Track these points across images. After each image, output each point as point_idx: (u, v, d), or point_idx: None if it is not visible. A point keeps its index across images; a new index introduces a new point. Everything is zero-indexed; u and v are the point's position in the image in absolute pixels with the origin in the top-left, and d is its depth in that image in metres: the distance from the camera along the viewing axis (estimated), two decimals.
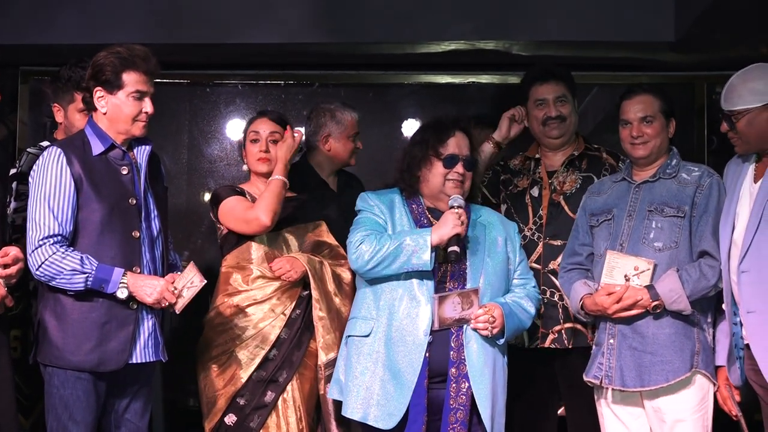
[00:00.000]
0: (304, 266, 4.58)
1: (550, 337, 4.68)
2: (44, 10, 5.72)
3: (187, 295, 4.07)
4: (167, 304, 4.01)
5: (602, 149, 4.93)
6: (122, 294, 3.92)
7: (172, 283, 4.02)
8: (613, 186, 4.44)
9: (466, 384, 4.04)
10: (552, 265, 4.66)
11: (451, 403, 4.03)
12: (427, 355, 4.05)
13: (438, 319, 4.05)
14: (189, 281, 4.10)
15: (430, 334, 4.06)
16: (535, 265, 4.67)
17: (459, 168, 4.21)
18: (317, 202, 4.90)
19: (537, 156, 4.95)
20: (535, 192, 4.85)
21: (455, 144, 4.23)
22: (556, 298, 4.66)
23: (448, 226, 4.07)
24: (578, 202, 4.64)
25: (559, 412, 5.07)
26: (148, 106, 4.03)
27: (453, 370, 4.05)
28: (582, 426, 4.64)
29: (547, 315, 4.66)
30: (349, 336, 4.28)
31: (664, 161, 4.33)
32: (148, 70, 4.02)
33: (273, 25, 5.74)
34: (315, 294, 4.58)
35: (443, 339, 4.08)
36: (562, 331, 4.66)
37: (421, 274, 4.12)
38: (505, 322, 4.08)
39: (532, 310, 4.25)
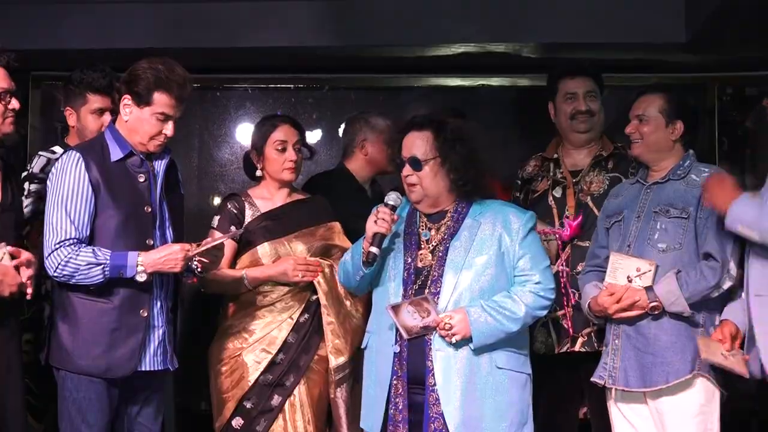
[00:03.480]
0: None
1: (580, 340, 4.66)
2: (54, 15, 5.75)
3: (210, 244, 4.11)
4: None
5: (625, 147, 4.90)
6: (141, 278, 3.92)
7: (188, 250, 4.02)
8: (630, 188, 4.43)
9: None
10: (580, 267, 4.61)
11: (430, 412, 3.95)
12: (396, 365, 3.98)
13: (403, 329, 3.96)
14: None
15: (403, 343, 3.98)
16: (563, 268, 4.66)
17: (404, 171, 4.11)
18: (352, 207, 4.86)
19: (555, 156, 4.93)
20: (557, 193, 4.82)
21: (404, 146, 4.14)
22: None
23: (367, 228, 4.05)
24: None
25: (580, 415, 5.08)
26: (169, 129, 4.02)
27: (430, 378, 3.95)
28: (606, 430, 4.60)
29: (575, 318, 4.61)
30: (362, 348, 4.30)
31: (675, 162, 4.32)
32: (180, 95, 3.99)
33: (283, 29, 5.76)
34: (323, 299, 4.57)
35: (419, 348, 3.99)
36: (592, 334, 4.62)
37: (396, 283, 4.08)
38: (471, 327, 3.91)
39: (520, 311, 3.96)
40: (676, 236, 4.18)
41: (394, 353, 4.00)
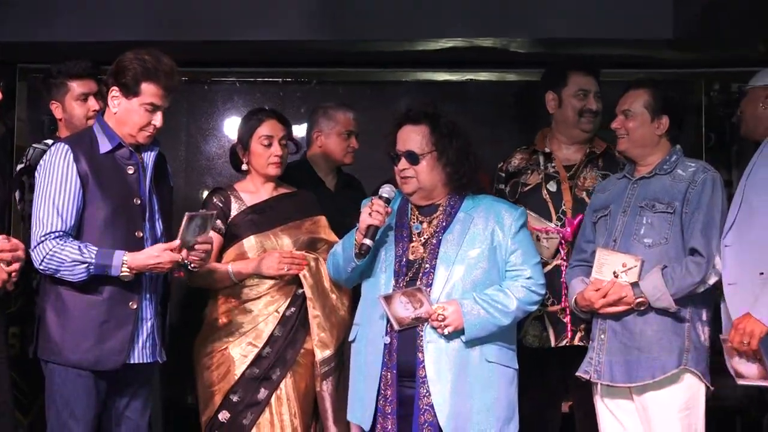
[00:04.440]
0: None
1: (579, 334, 4.65)
2: (42, 7, 5.71)
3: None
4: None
5: (613, 147, 4.86)
6: (126, 278, 3.92)
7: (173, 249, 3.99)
8: (617, 183, 4.44)
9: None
10: None
11: (420, 404, 3.96)
12: (386, 356, 3.98)
13: (394, 319, 3.97)
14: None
15: (393, 334, 3.98)
16: (562, 262, 4.65)
17: (401, 164, 4.12)
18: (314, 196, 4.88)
19: (547, 150, 4.91)
20: (552, 187, 4.80)
21: (399, 140, 4.14)
22: None
23: (361, 220, 4.04)
24: None
25: (564, 408, 5.09)
26: (158, 119, 4.02)
27: (420, 370, 3.95)
28: (590, 424, 4.60)
29: (574, 313, 4.56)
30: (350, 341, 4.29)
31: (662, 157, 4.31)
32: (168, 85, 3.99)
33: (271, 23, 5.74)
34: (308, 293, 4.56)
35: (409, 339, 3.99)
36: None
37: (387, 275, 4.08)
38: (464, 320, 3.94)
39: (512, 305, 4.00)
40: (661, 231, 4.19)
41: (385, 344, 4.00)
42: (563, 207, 4.75)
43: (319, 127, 5.31)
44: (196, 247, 4.03)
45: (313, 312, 4.56)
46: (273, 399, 4.53)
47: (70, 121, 4.61)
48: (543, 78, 5.07)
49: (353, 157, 5.34)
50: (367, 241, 4.03)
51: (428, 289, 4.00)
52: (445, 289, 4.01)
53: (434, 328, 3.97)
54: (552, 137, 4.94)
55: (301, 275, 4.56)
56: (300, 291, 4.60)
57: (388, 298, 3.98)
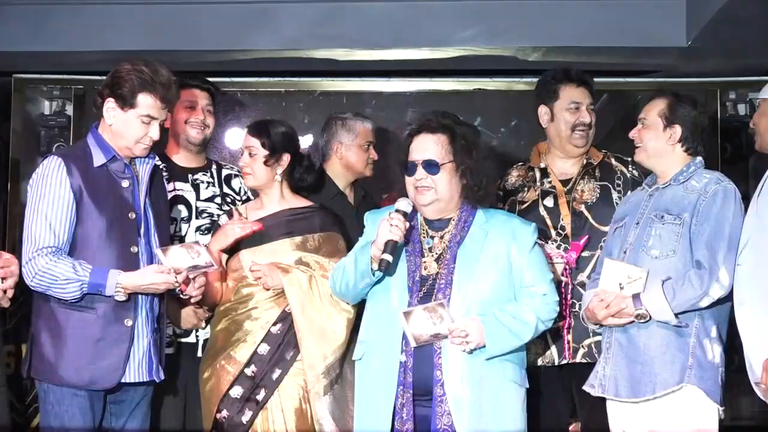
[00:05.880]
0: (281, 280, 4.45)
1: (581, 351, 4.61)
2: (38, 17, 5.71)
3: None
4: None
5: (610, 155, 4.87)
6: (120, 298, 3.89)
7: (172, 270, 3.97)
8: (637, 194, 4.40)
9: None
10: (581, 278, 4.58)
11: (438, 423, 3.90)
12: (402, 374, 3.92)
13: (412, 336, 3.89)
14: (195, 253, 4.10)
15: (409, 352, 3.92)
16: (562, 278, 4.59)
17: (418, 174, 4.04)
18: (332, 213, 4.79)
19: (542, 165, 4.85)
20: (549, 202, 4.75)
21: (416, 148, 4.07)
22: None
23: (379, 234, 3.96)
24: (599, 211, 4.61)
25: (571, 428, 5.01)
26: (154, 131, 4.00)
27: (437, 389, 3.92)
28: None
29: (577, 329, 4.56)
30: (354, 360, 4.21)
31: (679, 168, 4.25)
32: (165, 97, 3.98)
33: (274, 33, 5.74)
34: (293, 313, 4.44)
35: (426, 356, 3.94)
36: (592, 345, 4.57)
37: (401, 291, 4.01)
38: (486, 336, 3.89)
39: (532, 321, 3.98)
40: (669, 242, 4.13)
41: (401, 363, 3.94)
42: (561, 222, 4.71)
43: (339, 138, 5.22)
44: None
45: (298, 334, 4.42)
46: (259, 421, 4.40)
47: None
48: (535, 91, 5.02)
49: (372, 168, 5.27)
50: (387, 257, 3.93)
51: (447, 305, 3.94)
52: (464, 305, 3.96)
53: (453, 346, 3.91)
54: (548, 151, 4.91)
55: (287, 292, 4.44)
56: (289, 308, 4.48)
57: (408, 314, 3.90)
